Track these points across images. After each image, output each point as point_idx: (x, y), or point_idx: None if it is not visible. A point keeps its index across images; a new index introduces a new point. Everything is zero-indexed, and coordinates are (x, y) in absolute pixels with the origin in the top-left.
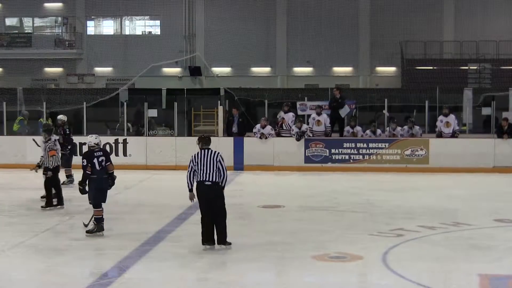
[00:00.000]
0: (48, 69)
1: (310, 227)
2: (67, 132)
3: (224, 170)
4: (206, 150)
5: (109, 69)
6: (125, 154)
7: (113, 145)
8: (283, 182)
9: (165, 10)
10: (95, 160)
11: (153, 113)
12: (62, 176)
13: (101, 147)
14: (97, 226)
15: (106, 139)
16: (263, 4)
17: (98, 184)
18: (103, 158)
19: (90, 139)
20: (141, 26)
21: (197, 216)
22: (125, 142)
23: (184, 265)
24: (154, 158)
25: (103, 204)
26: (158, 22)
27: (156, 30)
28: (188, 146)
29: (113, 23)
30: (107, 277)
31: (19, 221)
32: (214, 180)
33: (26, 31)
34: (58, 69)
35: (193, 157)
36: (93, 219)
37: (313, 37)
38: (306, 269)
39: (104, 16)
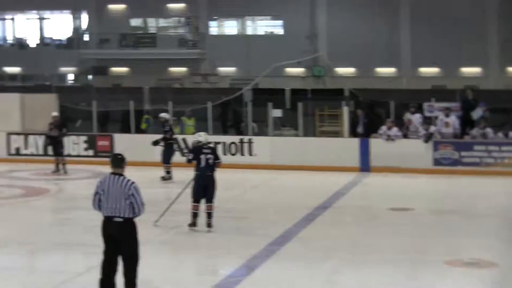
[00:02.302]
0: (172, 69)
1: (441, 231)
2: (166, 129)
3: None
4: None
5: (232, 69)
6: (250, 153)
7: (239, 144)
8: (411, 185)
9: (288, 10)
10: (202, 156)
11: (277, 113)
12: (161, 172)
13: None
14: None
15: (231, 139)
16: (386, 3)
17: (202, 181)
18: (211, 156)
19: (198, 137)
20: (264, 26)
21: (325, 217)
22: (250, 142)
23: (312, 266)
24: (279, 158)
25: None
26: (280, 22)
27: (279, 30)
28: (312, 146)
29: (236, 23)
30: (236, 276)
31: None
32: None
33: (150, 32)
34: (182, 69)
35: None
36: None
37: (439, 36)
38: (440, 275)
39: (226, 16)
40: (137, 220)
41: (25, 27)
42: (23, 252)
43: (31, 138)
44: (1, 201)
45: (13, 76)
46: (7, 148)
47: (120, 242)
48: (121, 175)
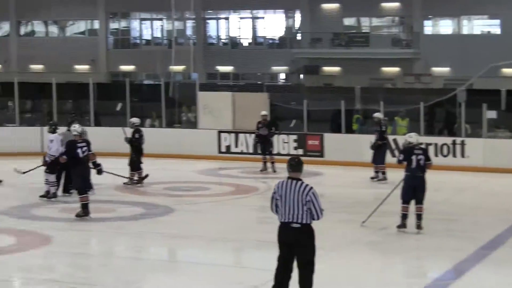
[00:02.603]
0: (385, 69)
1: None
2: (383, 129)
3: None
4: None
5: (446, 69)
6: (462, 155)
7: (451, 146)
8: None
9: (506, 9)
10: (413, 157)
11: (492, 114)
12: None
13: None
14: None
15: (443, 140)
16: None
17: (412, 182)
18: (422, 157)
19: (409, 138)
20: (480, 25)
21: None
22: (462, 144)
23: None
24: (492, 161)
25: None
26: (498, 21)
27: (496, 30)
28: None
29: (451, 22)
30: (444, 279)
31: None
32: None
33: (363, 31)
34: (395, 69)
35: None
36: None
37: None
38: None
39: (441, 15)
40: (344, 221)
41: (238, 26)
42: (229, 249)
43: (241, 136)
44: (211, 198)
45: (225, 75)
46: (218, 146)
47: (297, 248)
48: (298, 179)
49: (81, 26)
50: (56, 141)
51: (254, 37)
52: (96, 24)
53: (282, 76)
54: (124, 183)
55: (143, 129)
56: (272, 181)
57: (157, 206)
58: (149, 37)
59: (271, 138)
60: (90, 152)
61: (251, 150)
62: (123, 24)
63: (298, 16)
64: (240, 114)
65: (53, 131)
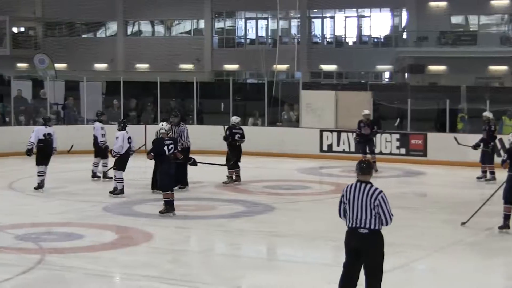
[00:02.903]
0: (492, 67)
1: None
2: (492, 128)
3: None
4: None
5: None
6: None
7: None
8: None
9: None
10: None
11: None
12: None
13: None
14: None
15: None
16: None
17: None
18: None
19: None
20: None
21: None
22: None
23: None
24: None
25: None
26: None
27: None
28: None
29: None
30: None
31: (457, 219)
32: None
33: (471, 29)
34: (503, 68)
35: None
36: None
37: None
38: None
39: None
40: (446, 221)
41: (344, 25)
42: (329, 248)
43: (343, 135)
44: (312, 196)
45: (329, 74)
46: (320, 145)
47: (364, 255)
48: (368, 183)
49: (186, 25)
50: (121, 138)
51: (359, 35)
52: (202, 24)
53: (387, 75)
54: (223, 182)
55: (244, 127)
56: (372, 180)
57: (257, 204)
58: (253, 36)
59: (373, 137)
60: (177, 151)
61: (353, 149)
62: (228, 23)
63: (404, 15)
64: (343, 113)
65: (121, 128)
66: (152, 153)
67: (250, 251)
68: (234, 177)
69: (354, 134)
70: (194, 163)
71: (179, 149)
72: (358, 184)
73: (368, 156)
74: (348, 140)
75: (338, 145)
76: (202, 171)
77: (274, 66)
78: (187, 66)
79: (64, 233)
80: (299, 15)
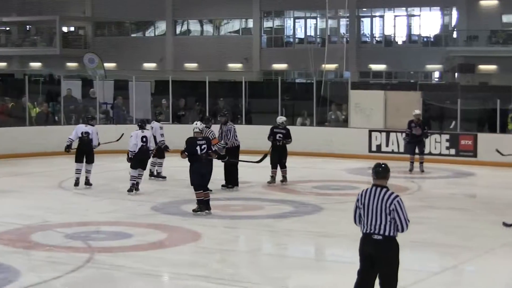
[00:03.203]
0: None
1: None
2: None
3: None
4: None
5: None
6: None
7: None
8: None
9: None
10: None
11: None
12: None
13: None
14: None
15: None
16: None
17: None
18: None
19: None
20: None
21: None
22: None
23: None
24: None
25: None
26: None
27: None
28: None
29: None
30: None
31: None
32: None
33: None
34: None
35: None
36: None
37: None
38: None
39: None
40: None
41: (393, 24)
42: None
43: (392, 135)
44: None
45: (377, 73)
46: (369, 145)
47: (378, 262)
48: (383, 187)
49: (235, 24)
50: (134, 138)
51: (409, 35)
52: (250, 23)
53: (436, 74)
54: (267, 182)
55: (292, 127)
56: (423, 181)
57: (305, 205)
58: (302, 36)
59: (424, 138)
60: (211, 151)
61: (402, 150)
62: (277, 22)
63: (454, 13)
64: (392, 113)
65: (140, 127)
66: (185, 152)
67: (298, 251)
68: (282, 178)
69: (404, 134)
70: (227, 160)
71: (214, 149)
72: (374, 188)
73: (416, 156)
74: (397, 140)
75: (387, 145)
76: (250, 171)
77: (323, 65)
78: (235, 66)
79: (112, 232)
80: (348, 14)
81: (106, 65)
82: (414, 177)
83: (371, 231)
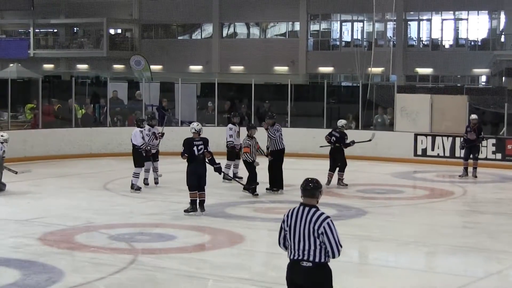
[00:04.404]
0: None
1: None
2: None
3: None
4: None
5: None
6: None
7: None
8: None
9: None
10: None
11: None
12: None
13: None
14: None
15: None
16: None
17: None
18: None
19: None
20: None
21: None
22: None
23: None
24: None
25: None
26: None
27: None
28: None
29: None
30: None
31: None
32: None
33: None
34: None
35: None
36: None
37: None
38: None
39: None
40: None
41: (440, 28)
42: (422, 253)
43: (438, 139)
44: (405, 201)
45: (424, 77)
46: (414, 149)
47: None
48: (312, 206)
49: (282, 27)
50: (134, 135)
51: (456, 38)
52: (297, 26)
53: (483, 78)
54: (325, 184)
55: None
56: (470, 186)
57: (350, 208)
58: (348, 39)
59: (479, 143)
60: (205, 150)
61: (447, 154)
62: (323, 25)
63: (502, 17)
64: (438, 117)
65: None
66: (185, 154)
67: (342, 255)
68: (342, 181)
69: (462, 138)
70: (218, 170)
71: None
72: (301, 208)
73: (470, 161)
74: (443, 144)
75: (432, 149)
76: (295, 174)
77: (369, 69)
78: (281, 69)
79: (156, 233)
80: (395, 18)
81: (153, 67)
82: (464, 181)
83: (299, 258)
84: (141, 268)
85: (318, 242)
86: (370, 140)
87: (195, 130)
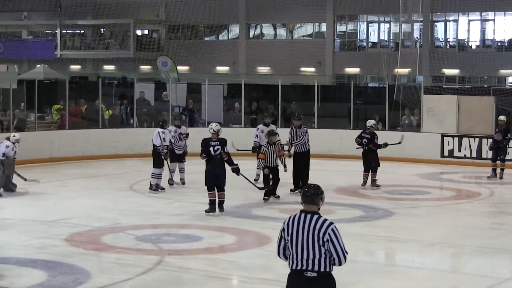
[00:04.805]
0: None
1: None
2: None
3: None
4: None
5: None
6: None
7: None
8: None
9: None
10: None
11: None
12: None
13: None
14: None
15: None
16: None
17: None
18: None
19: None
20: None
21: None
22: None
23: None
24: None
25: None
26: None
27: None
28: None
29: None
30: None
31: None
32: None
33: None
34: None
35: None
36: None
37: None
38: None
39: None
40: None
41: (467, 28)
42: (448, 254)
43: (465, 140)
44: (431, 202)
45: (451, 78)
46: (441, 150)
47: None
48: (314, 213)
49: (308, 28)
50: (156, 135)
51: (483, 39)
52: (324, 27)
53: (510, 79)
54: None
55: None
56: (497, 187)
57: (376, 209)
58: (375, 40)
59: (506, 144)
60: (222, 151)
61: (474, 155)
62: (350, 26)
63: None
64: (465, 118)
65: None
66: (203, 154)
67: (368, 256)
68: (375, 182)
69: (491, 140)
70: (236, 171)
71: (261, 148)
72: (303, 215)
73: (498, 162)
74: (469, 145)
75: (459, 150)
76: (321, 175)
77: (396, 69)
78: (308, 69)
79: (182, 234)
80: (422, 19)
81: (179, 68)
82: (491, 183)
83: (303, 268)
84: (167, 269)
85: (323, 251)
86: (400, 143)
87: (214, 130)
